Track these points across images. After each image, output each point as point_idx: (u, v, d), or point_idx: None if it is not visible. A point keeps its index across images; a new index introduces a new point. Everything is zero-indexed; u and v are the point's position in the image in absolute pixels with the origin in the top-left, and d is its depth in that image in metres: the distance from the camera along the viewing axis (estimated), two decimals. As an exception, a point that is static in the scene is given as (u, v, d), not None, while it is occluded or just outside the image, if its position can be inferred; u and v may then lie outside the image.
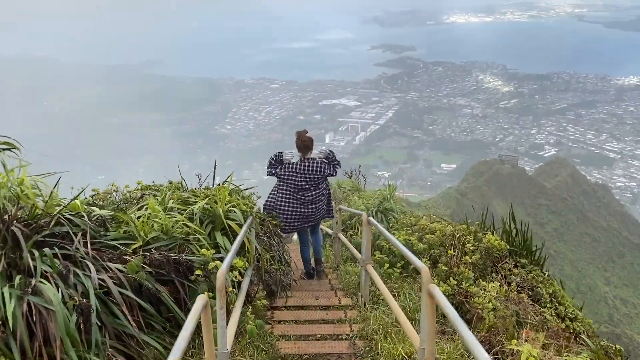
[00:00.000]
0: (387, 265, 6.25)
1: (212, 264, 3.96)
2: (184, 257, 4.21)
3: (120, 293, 3.71)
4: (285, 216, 7.16)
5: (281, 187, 7.16)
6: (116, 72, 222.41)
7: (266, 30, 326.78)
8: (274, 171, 7.36)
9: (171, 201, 5.38)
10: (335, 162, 7.36)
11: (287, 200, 7.12)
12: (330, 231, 9.13)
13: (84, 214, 4.42)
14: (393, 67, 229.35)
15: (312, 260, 7.90)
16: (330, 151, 7.48)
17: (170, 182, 6.94)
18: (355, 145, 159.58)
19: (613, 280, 60.97)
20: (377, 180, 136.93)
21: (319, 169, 7.04)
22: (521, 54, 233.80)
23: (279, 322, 5.36)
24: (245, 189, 7.87)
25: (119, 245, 4.40)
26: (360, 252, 6.38)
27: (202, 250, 4.23)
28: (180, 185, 6.93)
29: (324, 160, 7.24)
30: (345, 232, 9.83)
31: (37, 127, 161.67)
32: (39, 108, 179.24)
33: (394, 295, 5.36)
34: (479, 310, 4.40)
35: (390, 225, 8.78)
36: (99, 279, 3.64)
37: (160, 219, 4.63)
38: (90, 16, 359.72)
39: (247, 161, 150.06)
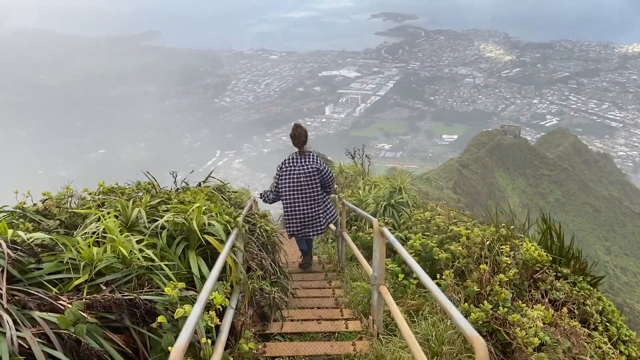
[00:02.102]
0: (401, 276, 5.30)
1: (178, 311, 2.87)
2: (142, 296, 3.10)
3: (50, 357, 2.58)
4: (287, 217, 7.00)
5: (282, 184, 6.87)
6: (114, 43, 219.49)
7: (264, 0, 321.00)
8: (276, 185, 7.02)
9: (136, 210, 4.23)
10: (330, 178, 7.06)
11: (288, 197, 6.84)
12: (333, 227, 8.08)
13: (1, 242, 3.13)
14: (394, 36, 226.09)
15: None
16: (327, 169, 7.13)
17: (139, 184, 5.61)
18: (355, 117, 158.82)
19: (614, 250, 61.58)
20: (377, 152, 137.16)
21: (315, 160, 6.83)
22: (523, 22, 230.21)
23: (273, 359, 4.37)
24: (233, 192, 7.31)
25: (56, 281, 3.20)
26: (367, 258, 5.64)
27: (168, 286, 3.11)
28: (151, 186, 5.64)
29: (317, 155, 7.10)
30: (349, 225, 8.72)
31: (36, 100, 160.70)
32: (37, 81, 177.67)
33: (411, 316, 4.64)
34: (522, 345, 3.63)
35: (403, 221, 7.83)
36: (18, 338, 2.53)
37: (117, 241, 3.52)
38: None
39: (247, 134, 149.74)
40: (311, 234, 7.07)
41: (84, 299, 2.99)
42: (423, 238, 5.63)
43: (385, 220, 7.52)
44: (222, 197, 6.15)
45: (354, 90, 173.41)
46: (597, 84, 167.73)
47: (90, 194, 5.30)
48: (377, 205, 8.59)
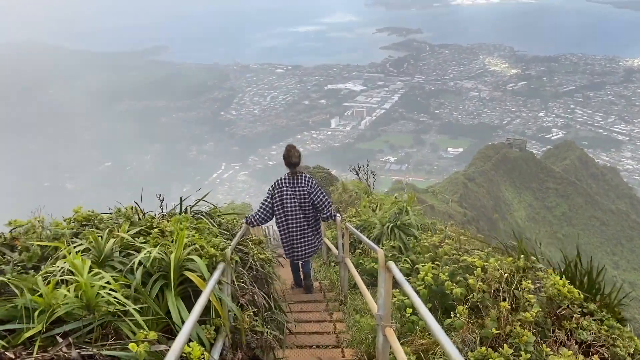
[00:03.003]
0: (409, 311, 4.78)
1: None
2: (104, 351, 2.59)
3: None
4: (281, 239, 6.95)
5: (275, 206, 6.76)
6: (122, 59, 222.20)
7: (271, 14, 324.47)
8: (268, 203, 6.81)
9: (111, 243, 3.75)
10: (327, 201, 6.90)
11: (280, 219, 6.74)
12: (335, 250, 7.45)
13: None
14: (399, 50, 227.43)
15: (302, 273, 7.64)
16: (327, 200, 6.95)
17: (118, 210, 4.91)
18: (360, 130, 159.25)
19: (622, 264, 61.02)
20: (382, 165, 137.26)
21: (307, 182, 6.73)
22: (528, 35, 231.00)
23: None
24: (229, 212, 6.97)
25: (5, 333, 2.75)
26: (372, 284, 5.44)
27: (137, 336, 2.61)
28: (134, 211, 4.99)
29: (309, 176, 6.93)
30: (352, 248, 8.16)
31: (45, 113, 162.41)
32: (46, 94, 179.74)
33: (419, 358, 4.07)
34: None
35: (412, 246, 7.37)
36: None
37: (81, 282, 2.96)
38: (95, 2, 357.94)
39: (253, 147, 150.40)
40: (302, 255, 6.94)
41: (33, 357, 2.51)
42: (433, 268, 5.22)
43: (392, 244, 7.23)
44: (212, 222, 5.59)
45: (360, 104, 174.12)
46: (603, 97, 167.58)
47: (65, 220, 4.58)
48: (383, 226, 8.08)
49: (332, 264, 9.20)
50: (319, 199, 6.72)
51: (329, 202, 6.86)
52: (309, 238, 6.90)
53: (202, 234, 4.47)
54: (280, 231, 6.85)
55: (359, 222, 8.68)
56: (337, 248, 7.38)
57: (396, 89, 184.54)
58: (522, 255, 4.62)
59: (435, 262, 5.71)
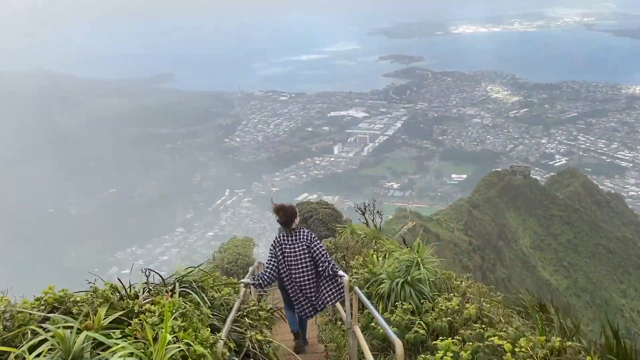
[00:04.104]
0: None
1: None
2: None
3: None
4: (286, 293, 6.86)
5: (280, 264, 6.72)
6: (128, 86, 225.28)
7: (274, 42, 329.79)
8: (273, 262, 6.72)
9: (82, 337, 3.18)
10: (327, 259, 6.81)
11: (287, 278, 6.68)
12: (342, 313, 6.84)
13: None
14: (401, 78, 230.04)
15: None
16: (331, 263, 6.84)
17: (95, 290, 4.21)
18: (363, 157, 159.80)
19: (630, 293, 60.24)
20: (386, 191, 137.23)
21: (306, 237, 6.70)
22: (530, 63, 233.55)
23: None
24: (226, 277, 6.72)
25: None
26: (382, 350, 5.03)
27: None
28: (114, 290, 4.35)
29: (308, 231, 6.88)
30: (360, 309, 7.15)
31: (51, 140, 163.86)
32: (52, 121, 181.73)
33: None
34: None
35: (425, 309, 6.54)
36: None
37: None
38: (102, 31, 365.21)
39: (257, 173, 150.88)
40: (303, 313, 6.79)
41: None
42: (453, 343, 4.61)
43: (404, 306, 6.56)
44: (204, 297, 5.06)
45: (363, 130, 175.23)
46: (605, 124, 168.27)
47: (34, 303, 3.97)
48: (392, 281, 7.27)
49: (339, 322, 8.27)
50: (319, 252, 6.69)
51: (326, 259, 6.75)
52: (311, 292, 6.73)
53: (190, 321, 4.01)
54: (288, 288, 6.75)
55: (367, 275, 8.09)
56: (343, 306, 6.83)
57: (399, 115, 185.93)
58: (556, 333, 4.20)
59: (455, 337, 5.01)
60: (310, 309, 6.80)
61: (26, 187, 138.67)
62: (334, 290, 6.84)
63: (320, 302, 6.80)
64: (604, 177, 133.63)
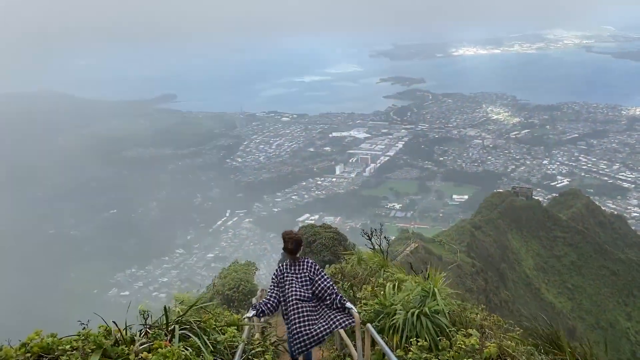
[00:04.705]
0: None
1: None
2: None
3: None
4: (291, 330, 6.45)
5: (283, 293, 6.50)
6: (131, 107, 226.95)
7: (277, 64, 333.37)
8: (275, 291, 6.51)
9: None
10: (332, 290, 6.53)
11: (285, 307, 6.39)
12: (353, 351, 6.53)
13: None
14: (402, 99, 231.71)
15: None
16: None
17: (87, 335, 3.88)
18: (365, 177, 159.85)
19: (635, 315, 59.39)
20: (387, 212, 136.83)
21: (309, 268, 6.50)
22: (530, 85, 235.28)
23: None
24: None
25: None
26: None
27: None
28: (107, 333, 4.03)
29: (312, 262, 6.65)
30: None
31: (53, 161, 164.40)
32: (55, 142, 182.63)
33: None
34: None
35: (441, 347, 5.93)
36: None
37: None
38: (105, 53, 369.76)
39: (258, 193, 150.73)
40: (303, 345, 6.31)
41: None
42: None
43: (419, 342, 6.00)
44: (205, 341, 4.75)
45: (364, 151, 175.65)
46: (606, 145, 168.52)
47: (18, 350, 3.62)
48: (407, 312, 6.70)
49: (348, 358, 7.67)
50: (323, 284, 6.44)
51: (334, 289, 6.50)
52: (312, 324, 6.35)
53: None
54: (285, 318, 6.46)
55: (378, 307, 7.55)
56: (353, 343, 6.39)
57: (400, 136, 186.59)
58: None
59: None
60: (307, 341, 6.31)
61: (27, 207, 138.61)
62: (340, 317, 6.41)
63: (322, 327, 6.32)
64: (606, 198, 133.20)
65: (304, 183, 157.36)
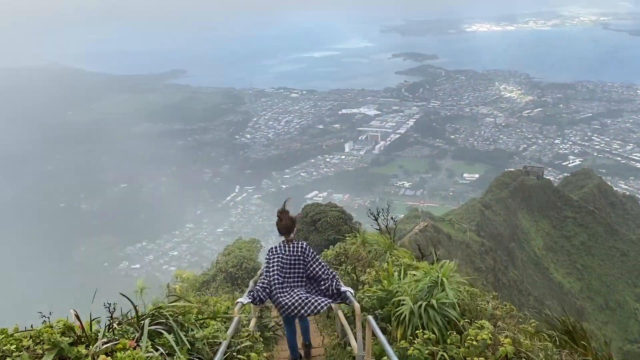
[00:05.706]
0: None
1: None
2: None
3: None
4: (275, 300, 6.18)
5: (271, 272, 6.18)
6: (140, 82, 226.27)
7: (286, 40, 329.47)
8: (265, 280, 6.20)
9: None
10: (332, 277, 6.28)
11: (275, 283, 6.08)
12: (353, 342, 6.16)
13: None
14: (414, 76, 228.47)
15: (300, 343, 6.87)
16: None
17: (41, 332, 3.39)
18: (374, 155, 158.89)
19: (644, 296, 59.09)
20: (397, 190, 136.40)
21: (301, 249, 6.24)
22: (544, 62, 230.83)
23: None
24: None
25: None
26: None
27: None
28: (66, 330, 3.57)
29: (306, 244, 6.41)
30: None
31: (63, 135, 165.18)
32: (64, 117, 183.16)
33: None
34: None
35: (449, 342, 5.48)
36: None
37: None
38: (114, 27, 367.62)
39: (267, 170, 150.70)
40: (296, 307, 5.98)
41: None
42: None
43: (425, 335, 5.54)
44: (182, 338, 4.10)
45: (374, 128, 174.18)
46: (620, 125, 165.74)
47: None
48: (415, 305, 6.20)
49: (348, 347, 6.99)
50: (317, 268, 6.17)
51: (330, 272, 6.21)
52: (306, 298, 6.06)
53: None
54: (275, 293, 6.11)
55: (381, 294, 7.14)
56: (353, 332, 6.10)
57: (411, 113, 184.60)
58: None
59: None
60: (304, 305, 5.98)
61: (37, 181, 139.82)
62: (317, 301, 6.08)
63: (298, 304, 5.98)
64: (619, 179, 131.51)
65: (313, 160, 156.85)
